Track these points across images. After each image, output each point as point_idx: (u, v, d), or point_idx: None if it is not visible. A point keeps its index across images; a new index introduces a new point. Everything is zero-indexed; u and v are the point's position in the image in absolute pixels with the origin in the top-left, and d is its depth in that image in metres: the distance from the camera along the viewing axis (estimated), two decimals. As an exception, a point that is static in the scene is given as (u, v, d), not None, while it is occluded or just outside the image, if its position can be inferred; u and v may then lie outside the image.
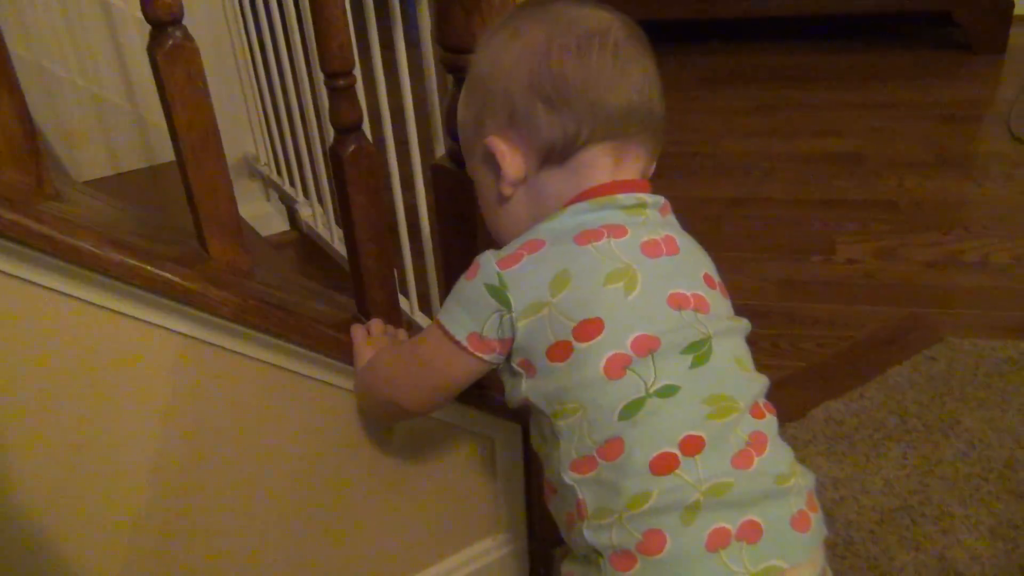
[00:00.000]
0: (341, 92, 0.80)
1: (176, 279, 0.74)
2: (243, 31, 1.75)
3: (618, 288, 0.65)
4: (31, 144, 0.71)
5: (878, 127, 2.40)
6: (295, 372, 0.85)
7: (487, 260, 0.67)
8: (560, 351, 0.65)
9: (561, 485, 0.67)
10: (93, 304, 0.73)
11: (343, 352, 0.85)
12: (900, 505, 1.17)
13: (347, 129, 0.81)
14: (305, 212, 1.77)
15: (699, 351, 0.66)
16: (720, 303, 0.71)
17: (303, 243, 1.89)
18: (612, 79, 0.67)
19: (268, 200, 1.98)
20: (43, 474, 0.78)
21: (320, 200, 1.69)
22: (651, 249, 0.67)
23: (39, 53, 1.62)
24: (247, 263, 0.82)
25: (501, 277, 0.66)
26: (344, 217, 0.85)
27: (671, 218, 0.73)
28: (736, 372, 0.68)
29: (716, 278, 0.72)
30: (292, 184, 1.79)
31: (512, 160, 0.69)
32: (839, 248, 1.81)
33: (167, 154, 1.73)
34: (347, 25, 0.79)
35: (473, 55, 0.73)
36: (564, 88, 0.66)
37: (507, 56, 0.69)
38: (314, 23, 0.78)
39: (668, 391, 0.64)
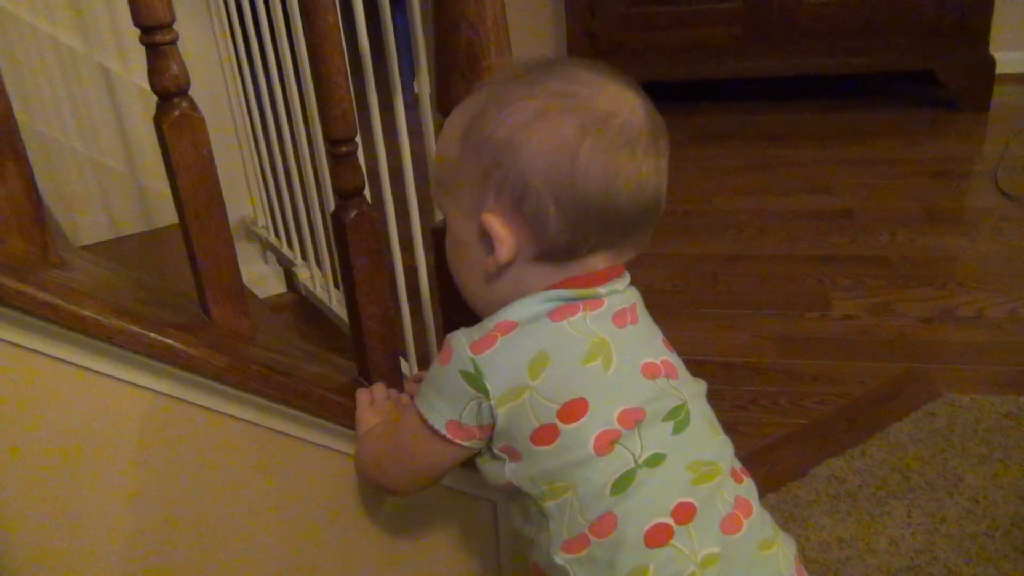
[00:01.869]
0: (343, 159, 0.81)
1: (179, 346, 0.74)
2: (242, 94, 1.77)
3: (597, 365, 0.64)
4: (37, 213, 0.72)
5: (868, 184, 2.43)
6: (291, 436, 0.84)
7: (460, 344, 0.65)
8: (545, 435, 0.63)
9: (551, 567, 0.65)
10: (92, 370, 0.73)
11: (345, 416, 0.84)
12: (907, 565, 1.15)
13: (349, 195, 0.82)
14: (303, 274, 1.78)
15: (678, 417, 0.66)
16: (681, 365, 0.71)
17: (301, 305, 1.89)
18: (633, 192, 0.64)
19: (266, 262, 1.98)
20: (33, 541, 0.77)
21: (318, 262, 1.69)
22: (619, 319, 0.67)
23: (39, 119, 1.64)
24: (249, 328, 0.82)
25: (476, 363, 0.64)
26: (345, 280, 0.86)
27: (628, 283, 0.71)
28: (711, 435, 0.69)
29: (667, 341, 0.72)
30: (290, 246, 1.80)
31: (508, 246, 0.65)
32: (834, 304, 1.82)
33: (166, 218, 1.74)
34: (349, 93, 0.80)
35: (482, 103, 0.66)
36: (583, 199, 0.62)
37: (530, 138, 0.62)
38: (316, 91, 0.80)
39: (655, 460, 0.63)
